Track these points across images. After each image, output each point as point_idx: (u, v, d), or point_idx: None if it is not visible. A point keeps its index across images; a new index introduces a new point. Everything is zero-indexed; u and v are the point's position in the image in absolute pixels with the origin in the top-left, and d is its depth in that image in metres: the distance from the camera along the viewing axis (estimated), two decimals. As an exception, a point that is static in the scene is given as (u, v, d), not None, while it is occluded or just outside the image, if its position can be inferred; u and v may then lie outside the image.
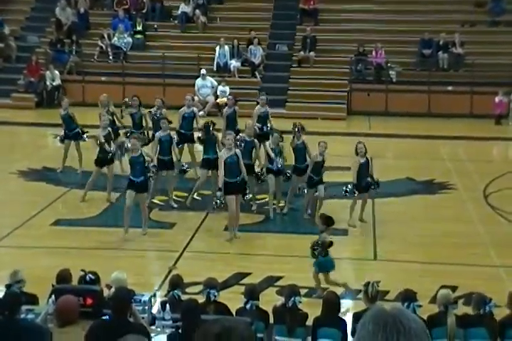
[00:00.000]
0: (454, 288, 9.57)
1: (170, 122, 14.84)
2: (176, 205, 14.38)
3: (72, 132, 16.41)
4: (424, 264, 11.67)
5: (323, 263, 10.46)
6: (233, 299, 8.81)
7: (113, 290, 7.67)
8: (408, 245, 12.59)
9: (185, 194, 15.02)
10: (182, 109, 15.95)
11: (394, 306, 2.65)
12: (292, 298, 7.99)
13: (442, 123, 21.67)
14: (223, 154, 12.63)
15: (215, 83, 22.63)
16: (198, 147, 15.48)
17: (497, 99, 22.26)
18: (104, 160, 14.53)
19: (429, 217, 13.99)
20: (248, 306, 8.03)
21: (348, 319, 8.06)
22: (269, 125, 15.91)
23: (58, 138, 16.66)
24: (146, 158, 12.79)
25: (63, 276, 8.21)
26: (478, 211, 14.38)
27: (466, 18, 25.58)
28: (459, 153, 19.11)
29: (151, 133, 15.95)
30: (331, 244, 10.48)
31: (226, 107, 16.63)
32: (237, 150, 12.74)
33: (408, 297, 7.93)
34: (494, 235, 12.97)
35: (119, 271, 8.20)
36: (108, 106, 16.21)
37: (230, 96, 16.81)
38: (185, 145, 15.87)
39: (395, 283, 10.07)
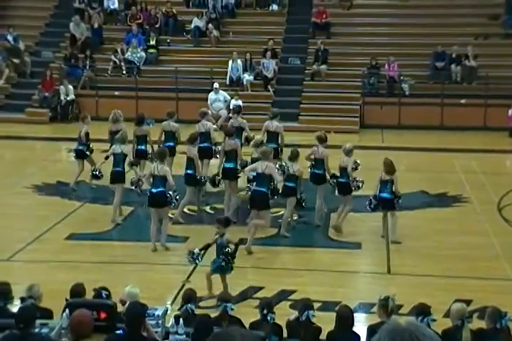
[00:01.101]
0: (468, 302, 9.52)
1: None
2: (182, 221, 14.35)
3: (88, 150, 16.31)
4: (437, 278, 11.62)
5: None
6: (247, 313, 8.80)
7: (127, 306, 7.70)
8: (422, 258, 12.54)
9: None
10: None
11: (410, 321, 2.64)
12: (306, 312, 7.97)
13: (456, 136, 21.64)
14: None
15: (228, 97, 22.69)
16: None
17: (510, 112, 22.21)
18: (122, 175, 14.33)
19: (442, 230, 13.94)
20: (268, 318, 8.02)
21: (362, 332, 8.03)
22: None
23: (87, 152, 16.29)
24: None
25: (77, 291, 8.23)
26: (492, 224, 14.32)
27: (480, 31, 25.58)
28: (473, 165, 19.04)
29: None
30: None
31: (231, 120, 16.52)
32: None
33: (422, 311, 7.89)
34: (508, 248, 12.89)
35: (131, 286, 8.22)
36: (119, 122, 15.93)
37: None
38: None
39: (408, 296, 10.02)
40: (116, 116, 15.95)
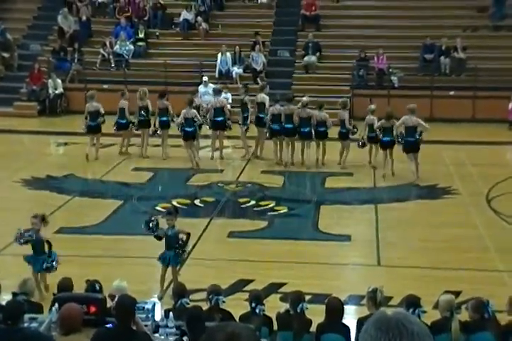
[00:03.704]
0: (457, 293, 9.55)
1: None
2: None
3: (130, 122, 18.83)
4: (427, 269, 11.65)
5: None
6: (236, 306, 8.80)
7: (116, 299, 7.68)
8: (411, 250, 12.57)
9: (188, 201, 15.05)
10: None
11: (397, 310, 2.64)
12: (300, 305, 7.97)
13: (445, 128, 21.66)
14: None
15: (217, 90, 22.66)
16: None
17: (511, 106, 22.19)
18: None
19: (432, 222, 13.97)
20: (257, 310, 8.02)
21: (353, 324, 8.04)
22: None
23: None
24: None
25: (64, 285, 8.21)
26: (482, 215, 14.36)
27: (468, 23, 25.60)
28: (462, 157, 19.09)
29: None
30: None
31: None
32: None
33: (412, 303, 7.88)
34: (497, 240, 12.94)
35: (119, 280, 8.20)
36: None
37: (240, 86, 20.19)
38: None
39: (398, 288, 10.05)
40: (141, 94, 18.35)
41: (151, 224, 10.71)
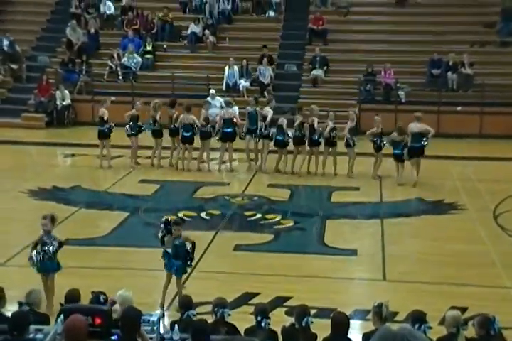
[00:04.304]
0: (463, 309, 9.50)
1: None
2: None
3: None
4: (433, 285, 11.60)
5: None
6: (242, 319, 8.77)
7: (117, 306, 7.67)
8: (417, 265, 12.54)
9: (194, 214, 15.04)
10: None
11: (402, 326, 2.64)
12: (305, 319, 7.93)
13: (452, 144, 21.67)
14: None
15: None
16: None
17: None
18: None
19: (438, 238, 13.94)
20: (263, 324, 7.99)
21: (357, 340, 8.00)
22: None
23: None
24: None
25: (72, 296, 8.20)
26: (488, 231, 14.32)
27: (476, 39, 25.66)
28: (469, 173, 19.08)
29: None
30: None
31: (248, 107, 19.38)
32: None
33: (418, 318, 7.83)
34: (504, 256, 12.90)
35: (124, 289, 8.18)
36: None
37: (251, 98, 20.12)
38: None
39: (404, 303, 10.01)
40: (155, 105, 18.95)
41: (169, 226, 10.67)
